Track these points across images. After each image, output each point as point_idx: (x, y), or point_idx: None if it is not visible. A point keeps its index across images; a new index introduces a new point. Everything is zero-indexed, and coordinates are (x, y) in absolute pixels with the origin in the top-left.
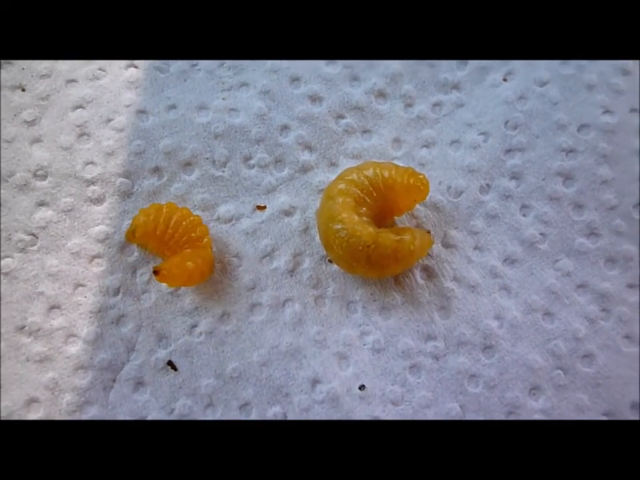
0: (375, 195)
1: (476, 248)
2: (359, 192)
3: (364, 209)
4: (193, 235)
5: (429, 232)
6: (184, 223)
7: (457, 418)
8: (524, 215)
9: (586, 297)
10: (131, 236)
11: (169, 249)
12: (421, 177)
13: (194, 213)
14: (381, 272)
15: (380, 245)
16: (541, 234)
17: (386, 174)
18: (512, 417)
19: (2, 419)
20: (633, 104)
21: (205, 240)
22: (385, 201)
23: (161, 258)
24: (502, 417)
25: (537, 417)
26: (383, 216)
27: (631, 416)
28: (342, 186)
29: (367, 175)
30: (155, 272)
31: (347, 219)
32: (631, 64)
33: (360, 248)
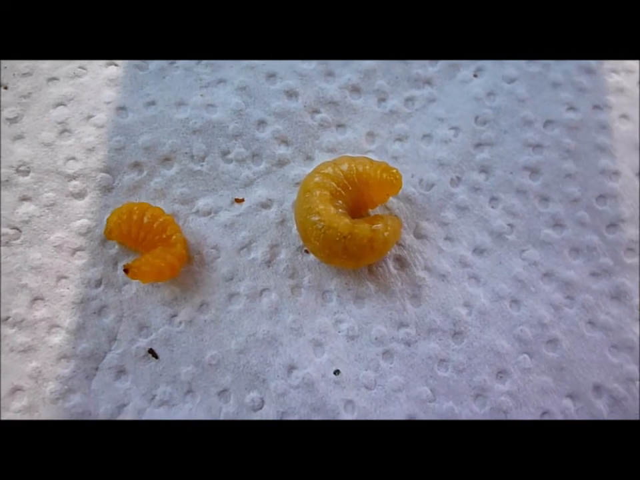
0: (350, 188)
1: (446, 238)
2: (334, 185)
3: (340, 201)
4: (164, 235)
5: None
6: (155, 224)
7: (428, 401)
8: (492, 207)
9: (551, 285)
10: (109, 235)
11: (143, 247)
12: (394, 171)
13: (173, 207)
14: (358, 262)
15: (356, 236)
16: (508, 225)
17: (360, 168)
18: (480, 400)
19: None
20: (595, 101)
21: (174, 237)
22: (359, 194)
23: (138, 254)
24: (470, 400)
25: (504, 399)
26: (357, 209)
27: (594, 398)
28: (318, 179)
29: (342, 169)
30: (126, 270)
31: (323, 211)
32: (594, 63)
33: (337, 239)
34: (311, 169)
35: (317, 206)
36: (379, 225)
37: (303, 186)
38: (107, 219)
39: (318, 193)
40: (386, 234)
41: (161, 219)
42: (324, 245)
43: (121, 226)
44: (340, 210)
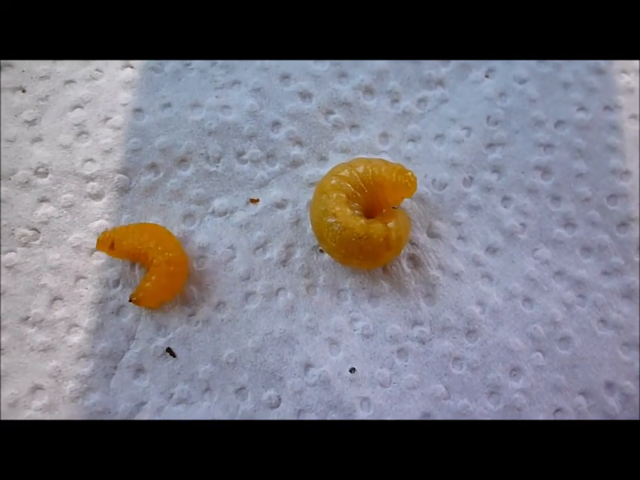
0: (365, 190)
1: (459, 238)
2: (350, 187)
3: (355, 203)
4: (147, 261)
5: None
6: (136, 252)
7: (442, 398)
8: (505, 207)
9: (563, 283)
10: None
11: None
12: (409, 174)
13: (189, 207)
14: (374, 261)
15: (371, 236)
16: (520, 224)
17: (376, 171)
18: (494, 397)
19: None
20: (606, 102)
21: (155, 261)
22: (374, 196)
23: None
24: (484, 397)
25: (517, 396)
26: (372, 210)
27: (606, 395)
28: (334, 181)
29: (358, 172)
30: (131, 301)
31: (339, 212)
32: (604, 64)
33: (353, 240)
34: (325, 170)
35: (333, 208)
36: (391, 223)
37: (319, 188)
38: (98, 240)
39: (334, 195)
40: (400, 232)
41: (140, 246)
42: (340, 245)
43: (115, 252)
44: (356, 212)
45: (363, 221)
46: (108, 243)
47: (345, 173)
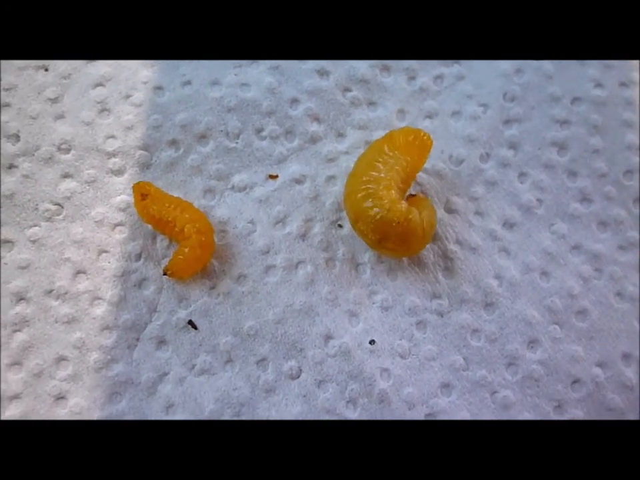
0: (400, 170)
1: (477, 213)
2: (393, 167)
3: (400, 185)
4: (176, 229)
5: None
6: (165, 220)
7: (461, 369)
8: (521, 182)
9: (580, 257)
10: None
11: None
12: (421, 133)
13: (209, 183)
14: (408, 249)
15: (410, 221)
16: (537, 199)
17: (402, 140)
18: (512, 369)
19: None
20: (622, 78)
21: (186, 230)
22: (407, 171)
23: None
24: (502, 368)
25: (535, 367)
26: (405, 184)
27: (623, 366)
28: (380, 165)
29: (395, 146)
30: (165, 274)
31: (386, 195)
32: None
33: (394, 224)
34: (343, 146)
35: (379, 191)
36: (425, 213)
37: (357, 170)
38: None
39: (383, 182)
40: (432, 219)
41: (167, 215)
42: (377, 228)
43: (146, 220)
44: (393, 192)
45: (404, 205)
46: (144, 191)
47: (387, 150)
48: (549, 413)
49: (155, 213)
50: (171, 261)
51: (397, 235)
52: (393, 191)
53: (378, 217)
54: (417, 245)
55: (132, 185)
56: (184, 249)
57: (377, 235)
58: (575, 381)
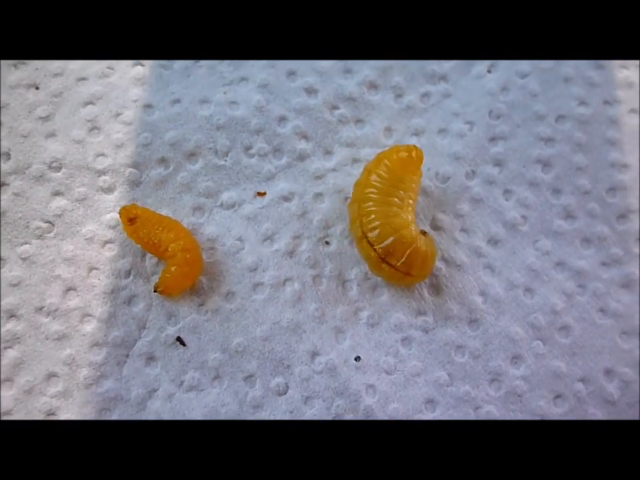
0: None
1: (462, 230)
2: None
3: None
4: (161, 249)
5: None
6: (151, 241)
7: (445, 385)
8: (506, 199)
9: (563, 274)
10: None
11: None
12: (411, 146)
13: (198, 200)
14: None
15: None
16: (522, 216)
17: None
18: (495, 384)
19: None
20: (605, 96)
21: (170, 249)
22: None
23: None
24: (486, 384)
25: (518, 382)
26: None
27: (605, 382)
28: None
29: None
30: (156, 291)
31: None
32: None
33: (404, 241)
34: (331, 163)
35: (400, 213)
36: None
37: (358, 199)
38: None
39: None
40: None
41: (152, 235)
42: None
43: (135, 240)
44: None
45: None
46: (131, 215)
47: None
48: None
49: (143, 236)
50: (160, 279)
51: (403, 254)
52: (410, 215)
53: (394, 235)
54: (417, 270)
55: (118, 210)
56: (171, 267)
57: (385, 251)
58: (557, 396)
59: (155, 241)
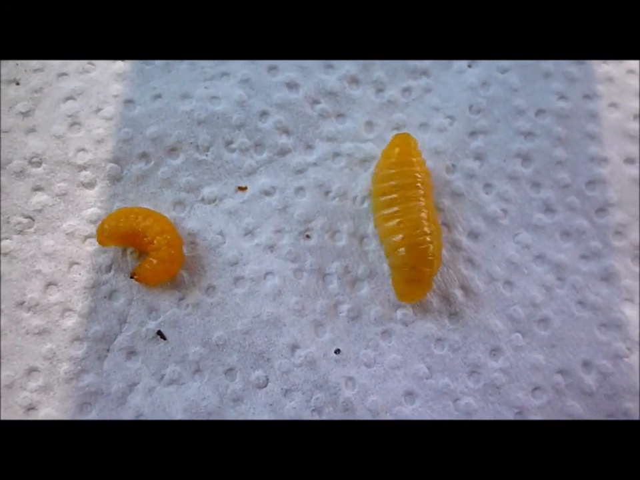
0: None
1: (443, 224)
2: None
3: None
4: (146, 240)
5: None
6: (135, 232)
7: (425, 378)
8: (486, 193)
9: (543, 267)
10: (103, 240)
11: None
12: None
13: (179, 195)
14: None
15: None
16: (502, 210)
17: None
18: (474, 377)
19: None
20: (585, 91)
21: (156, 242)
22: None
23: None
24: (465, 376)
25: (497, 375)
26: None
27: (583, 373)
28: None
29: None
30: (132, 277)
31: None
32: None
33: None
34: (312, 158)
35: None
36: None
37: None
38: (97, 231)
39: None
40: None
41: (138, 226)
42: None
43: (111, 238)
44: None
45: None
46: (105, 234)
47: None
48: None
49: (126, 229)
50: (140, 267)
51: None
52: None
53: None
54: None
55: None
56: (153, 259)
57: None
58: (536, 388)
59: (139, 229)
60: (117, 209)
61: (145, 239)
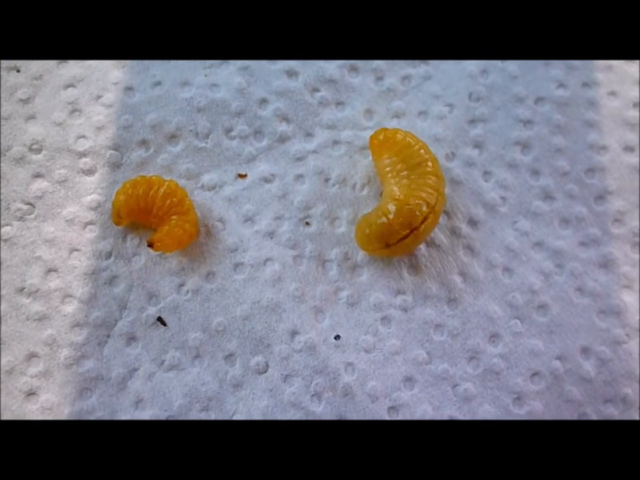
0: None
1: (443, 211)
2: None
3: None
4: (174, 199)
5: None
6: (161, 190)
7: (424, 363)
8: (486, 181)
9: (542, 254)
10: (117, 219)
11: (156, 218)
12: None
13: (179, 182)
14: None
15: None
16: (501, 198)
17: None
18: (473, 362)
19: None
20: (584, 79)
21: (187, 203)
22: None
23: (151, 229)
24: (464, 362)
25: (496, 360)
26: None
27: (582, 359)
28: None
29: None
30: (150, 244)
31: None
32: None
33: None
34: (311, 145)
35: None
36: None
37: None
38: (113, 201)
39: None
40: None
41: (164, 185)
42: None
43: (128, 202)
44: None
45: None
46: (115, 214)
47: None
48: (508, 405)
49: (153, 191)
50: (159, 233)
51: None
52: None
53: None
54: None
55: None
56: (177, 221)
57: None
58: (535, 374)
59: (164, 194)
60: (127, 180)
61: (175, 199)
